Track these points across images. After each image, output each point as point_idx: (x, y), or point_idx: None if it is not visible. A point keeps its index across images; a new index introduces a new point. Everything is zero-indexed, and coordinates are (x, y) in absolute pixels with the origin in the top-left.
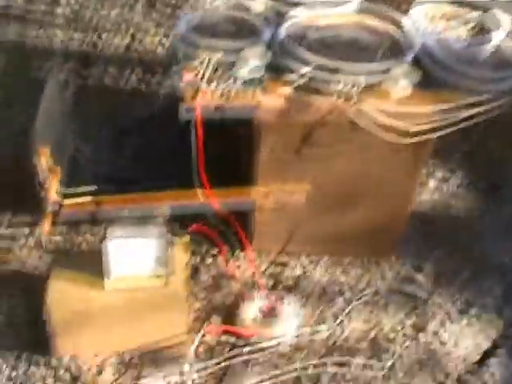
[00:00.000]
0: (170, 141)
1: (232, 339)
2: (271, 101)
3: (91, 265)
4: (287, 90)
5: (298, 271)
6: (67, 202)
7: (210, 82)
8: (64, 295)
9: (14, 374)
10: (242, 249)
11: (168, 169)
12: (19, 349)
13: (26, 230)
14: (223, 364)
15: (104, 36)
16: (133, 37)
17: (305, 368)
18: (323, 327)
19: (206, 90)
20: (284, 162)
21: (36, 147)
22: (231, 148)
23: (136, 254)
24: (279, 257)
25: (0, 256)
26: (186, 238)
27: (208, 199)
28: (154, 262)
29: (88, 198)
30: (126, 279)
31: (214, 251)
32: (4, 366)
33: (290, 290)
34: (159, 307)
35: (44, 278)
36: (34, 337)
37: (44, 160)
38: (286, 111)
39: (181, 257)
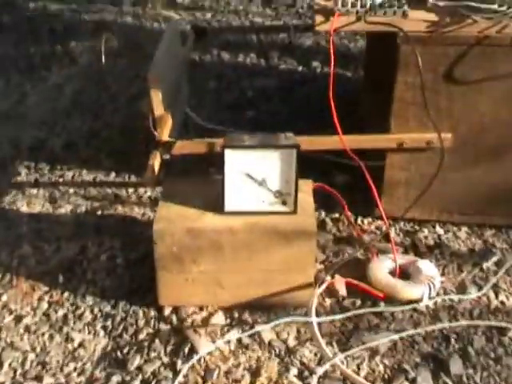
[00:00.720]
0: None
1: (358, 298)
2: (418, 14)
3: (204, 191)
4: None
5: (433, 237)
6: (179, 142)
7: (344, 4)
8: (173, 224)
9: (108, 323)
10: (368, 212)
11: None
12: (117, 296)
13: (134, 181)
14: (349, 321)
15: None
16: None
17: (452, 328)
18: (470, 291)
19: (340, 12)
20: (422, 103)
21: (150, 88)
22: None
23: (259, 169)
24: (410, 222)
25: (106, 203)
26: (309, 182)
27: (338, 145)
28: (280, 181)
29: (202, 140)
30: (245, 201)
31: (337, 212)
32: (99, 315)
33: (424, 254)
34: (285, 238)
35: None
36: (133, 285)
37: (158, 99)
38: (436, 26)
39: (305, 197)
